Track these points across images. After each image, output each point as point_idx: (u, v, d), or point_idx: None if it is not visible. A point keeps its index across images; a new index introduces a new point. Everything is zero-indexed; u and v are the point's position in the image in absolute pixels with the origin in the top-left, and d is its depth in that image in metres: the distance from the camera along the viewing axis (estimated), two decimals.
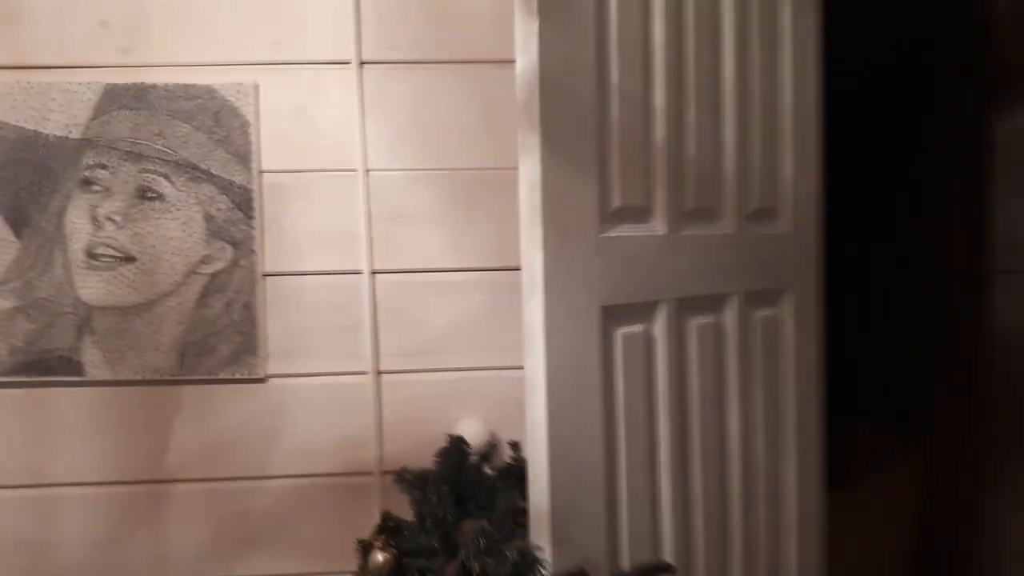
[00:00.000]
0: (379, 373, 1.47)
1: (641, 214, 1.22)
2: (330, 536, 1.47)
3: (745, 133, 1.32)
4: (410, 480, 1.32)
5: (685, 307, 1.28)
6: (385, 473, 1.46)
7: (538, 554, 1.08)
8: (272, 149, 1.45)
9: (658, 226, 1.24)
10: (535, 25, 1.03)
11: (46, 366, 1.42)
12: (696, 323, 1.30)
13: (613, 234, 1.17)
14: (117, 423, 1.45)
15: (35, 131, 1.40)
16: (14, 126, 1.40)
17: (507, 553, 1.03)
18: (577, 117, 1.11)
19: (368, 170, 1.46)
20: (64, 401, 1.44)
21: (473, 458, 1.39)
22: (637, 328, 1.22)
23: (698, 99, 1.26)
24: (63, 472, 1.44)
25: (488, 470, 1.39)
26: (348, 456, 1.48)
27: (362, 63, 1.45)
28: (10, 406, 1.43)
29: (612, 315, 1.17)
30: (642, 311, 1.22)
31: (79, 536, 1.45)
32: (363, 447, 1.47)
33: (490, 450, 1.43)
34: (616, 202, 1.18)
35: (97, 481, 1.45)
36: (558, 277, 1.10)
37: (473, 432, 1.42)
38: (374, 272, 1.47)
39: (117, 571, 1.45)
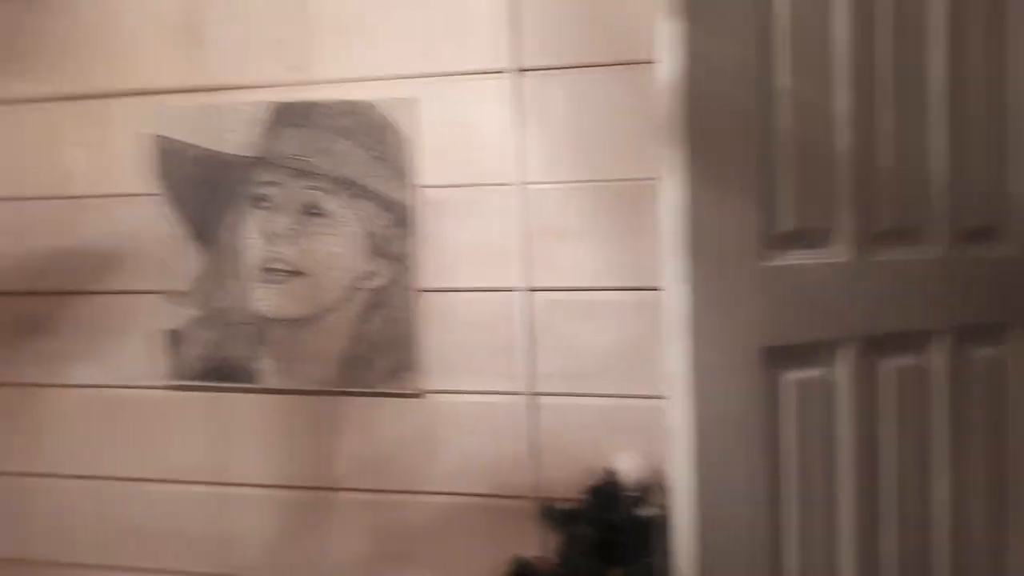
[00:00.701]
0: (533, 395, 1.40)
1: (818, 238, 1.03)
2: (479, 558, 1.43)
3: (960, 139, 1.07)
4: (556, 517, 1.25)
5: (875, 347, 1.06)
6: (536, 499, 1.39)
7: None
8: (429, 163, 1.41)
9: (840, 251, 1.03)
10: (680, 26, 0.89)
11: (226, 372, 1.51)
12: (891, 365, 1.08)
13: (779, 263, 0.99)
14: (287, 429, 1.51)
15: (214, 151, 1.47)
16: (196, 147, 1.48)
17: None
18: (733, 129, 0.95)
19: (525, 183, 1.38)
20: (242, 406, 1.52)
21: (628, 495, 1.28)
22: (812, 373, 1.03)
23: (896, 100, 1.03)
24: (240, 472, 1.53)
25: (642, 512, 1.27)
26: (500, 477, 1.43)
27: (521, 70, 1.37)
28: (197, 408, 1.54)
29: (778, 357, 1.00)
30: (819, 352, 1.04)
31: (253, 532, 1.54)
32: (515, 470, 1.42)
33: (646, 491, 1.30)
34: (785, 225, 1.00)
35: (269, 484, 1.52)
36: (708, 315, 0.95)
37: (629, 467, 1.31)
38: (531, 289, 1.39)
39: (284, 569, 1.52)
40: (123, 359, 1.55)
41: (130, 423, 1.57)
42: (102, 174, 1.54)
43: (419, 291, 1.43)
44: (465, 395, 1.44)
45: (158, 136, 1.49)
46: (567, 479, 1.37)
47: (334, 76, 1.44)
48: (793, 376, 1.02)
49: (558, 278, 1.38)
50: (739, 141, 0.95)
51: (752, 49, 0.94)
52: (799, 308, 1.00)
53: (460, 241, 1.42)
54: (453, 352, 1.44)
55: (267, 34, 1.46)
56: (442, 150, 1.41)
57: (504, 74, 1.38)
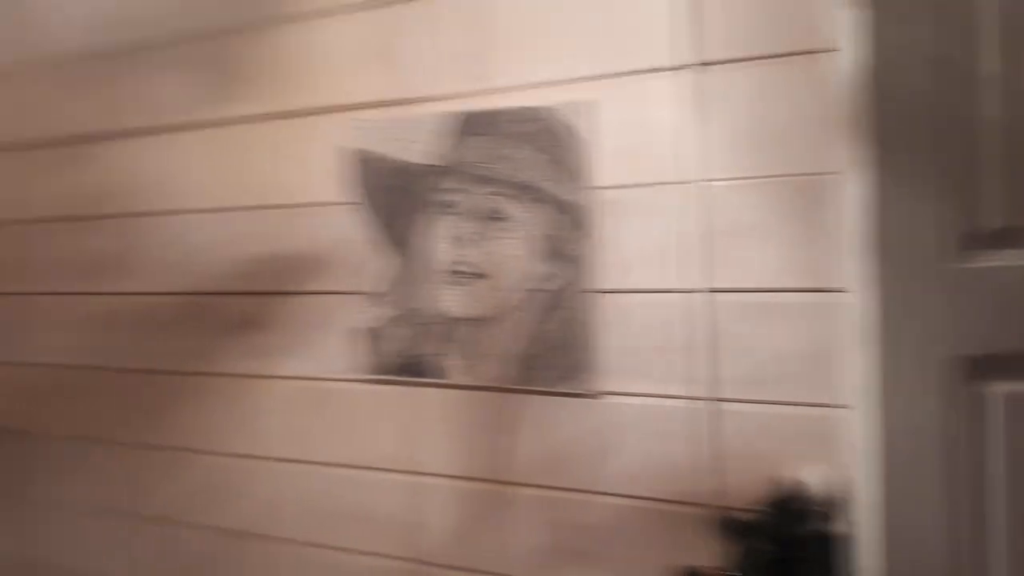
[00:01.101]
0: (711, 400, 1.37)
1: None
2: (651, 562, 1.42)
3: None
4: (734, 528, 1.21)
5: None
6: (713, 507, 1.36)
7: None
8: (607, 165, 1.43)
9: None
10: (866, 13, 0.84)
11: (418, 368, 1.61)
12: None
13: (982, 264, 0.91)
14: (471, 424, 1.58)
15: (406, 161, 1.58)
16: (390, 156, 1.59)
17: None
18: (927, 119, 0.88)
19: (703, 180, 1.36)
20: (431, 400, 1.61)
21: (812, 510, 1.22)
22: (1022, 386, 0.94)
23: None
24: (428, 462, 1.62)
25: (826, 528, 1.21)
26: (675, 483, 1.41)
27: (702, 63, 1.34)
28: (391, 400, 1.65)
29: (981, 367, 0.92)
30: None
31: (438, 521, 1.62)
32: (691, 476, 1.39)
33: (832, 506, 1.23)
34: (991, 223, 0.92)
35: (454, 475, 1.60)
36: (898, 320, 0.89)
37: (814, 480, 1.25)
38: (711, 291, 1.37)
39: (466, 557, 1.60)
40: (327, 354, 1.70)
41: (332, 413, 1.71)
42: (308, 185, 1.69)
43: (595, 293, 1.45)
44: (640, 398, 1.44)
45: (356, 149, 1.62)
46: (745, 489, 1.33)
47: (515, 84, 1.49)
48: (999, 388, 0.93)
49: (737, 278, 1.34)
50: (934, 132, 0.88)
51: (952, 33, 0.87)
52: (1005, 314, 0.91)
53: (637, 242, 1.42)
54: (629, 354, 1.44)
55: (453, 48, 1.54)
56: (619, 150, 1.42)
57: (683, 70, 1.36)
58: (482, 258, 1.53)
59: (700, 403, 1.38)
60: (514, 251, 1.50)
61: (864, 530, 0.90)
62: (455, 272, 1.55)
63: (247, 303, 1.79)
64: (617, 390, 1.46)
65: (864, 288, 0.88)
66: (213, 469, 1.86)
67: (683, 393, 1.40)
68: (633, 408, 1.45)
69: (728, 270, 1.35)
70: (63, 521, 2.12)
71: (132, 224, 1.92)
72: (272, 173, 1.73)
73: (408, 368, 1.61)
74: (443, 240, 1.56)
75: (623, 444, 1.46)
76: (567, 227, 1.45)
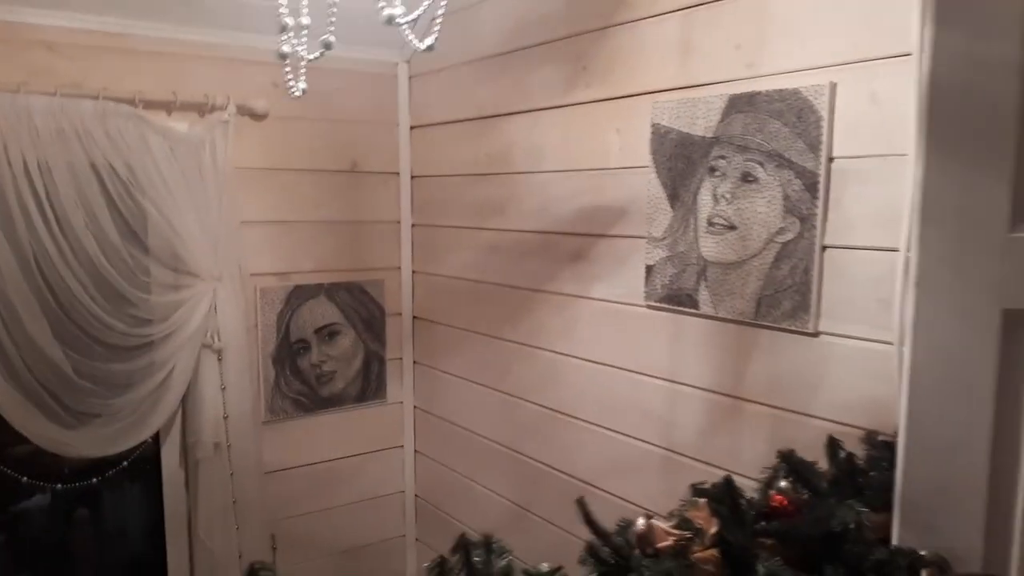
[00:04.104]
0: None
1: None
2: None
3: None
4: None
5: None
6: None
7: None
8: (839, 138, 1.68)
9: None
10: (929, 30, 1.07)
11: (679, 299, 2.03)
12: None
13: None
14: (716, 347, 1.96)
15: (687, 133, 1.99)
16: (677, 130, 2.02)
17: None
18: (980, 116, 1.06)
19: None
20: (688, 325, 2.02)
21: None
22: None
23: None
24: (683, 374, 2.04)
25: None
26: (875, 414, 1.63)
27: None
28: (660, 324, 2.10)
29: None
30: None
31: (688, 421, 2.04)
32: (888, 410, 1.60)
33: None
34: None
35: (701, 387, 2.00)
36: (944, 272, 1.09)
37: None
38: None
39: (705, 453, 1.99)
40: (621, 282, 2.21)
41: (620, 328, 2.22)
42: (623, 153, 2.20)
43: (822, 247, 1.71)
44: (852, 340, 1.68)
45: (655, 124, 2.08)
46: None
47: (774, 70, 1.80)
48: None
49: None
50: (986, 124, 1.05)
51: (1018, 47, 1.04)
52: None
53: (860, 206, 1.65)
54: (845, 301, 1.68)
55: (729, 41, 1.90)
56: (852, 126, 1.65)
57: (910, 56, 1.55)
58: (734, 213, 1.88)
59: (893, 348, 1.58)
60: (759, 208, 1.83)
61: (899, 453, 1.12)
62: (712, 223, 1.93)
63: (576, 241, 2.38)
64: (833, 331, 1.71)
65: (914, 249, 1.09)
66: (542, 361, 2.52)
67: (887, 339, 1.61)
68: (845, 347, 1.69)
69: None
70: (452, 385, 3.00)
71: (510, 180, 2.64)
72: (600, 143, 2.28)
73: (673, 298, 2.04)
74: (707, 197, 1.94)
75: (834, 377, 1.71)
76: (804, 190, 1.74)
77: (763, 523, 1.17)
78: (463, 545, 1.02)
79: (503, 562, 0.99)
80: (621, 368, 2.23)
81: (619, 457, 2.27)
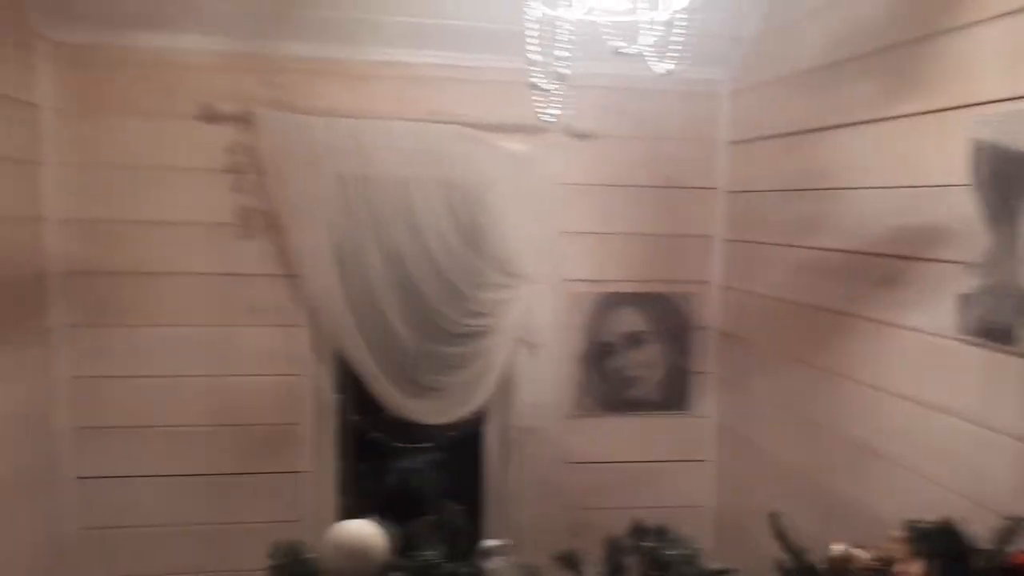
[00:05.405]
0: None
1: None
2: None
3: None
4: None
5: None
6: None
7: None
8: None
9: None
10: None
11: (994, 334, 1.81)
12: None
13: None
14: None
15: (1014, 149, 1.76)
16: (1002, 146, 1.79)
17: None
18: None
19: None
20: (1003, 364, 1.79)
21: None
22: None
23: None
24: (996, 419, 1.81)
25: None
26: None
27: None
28: (972, 360, 1.88)
29: None
30: None
31: (1000, 473, 1.81)
32: None
33: None
34: None
35: (1015, 435, 1.76)
36: None
37: None
38: None
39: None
40: (932, 311, 2.02)
41: (931, 361, 2.03)
42: (940, 170, 2.01)
43: None
44: None
45: (976, 139, 1.87)
46: None
47: None
48: None
49: None
50: None
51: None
52: None
53: None
54: None
55: None
56: None
57: None
58: None
59: None
60: None
61: None
62: None
63: (886, 263, 2.22)
64: None
65: None
66: (847, 389, 2.39)
67: None
68: None
69: None
70: (757, 405, 2.96)
71: (824, 196, 2.54)
72: (914, 159, 2.11)
73: (988, 332, 1.82)
74: None
75: None
76: None
77: None
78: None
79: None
80: (928, 406, 2.04)
81: (922, 503, 2.07)
